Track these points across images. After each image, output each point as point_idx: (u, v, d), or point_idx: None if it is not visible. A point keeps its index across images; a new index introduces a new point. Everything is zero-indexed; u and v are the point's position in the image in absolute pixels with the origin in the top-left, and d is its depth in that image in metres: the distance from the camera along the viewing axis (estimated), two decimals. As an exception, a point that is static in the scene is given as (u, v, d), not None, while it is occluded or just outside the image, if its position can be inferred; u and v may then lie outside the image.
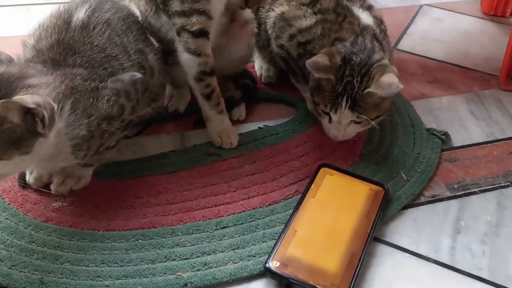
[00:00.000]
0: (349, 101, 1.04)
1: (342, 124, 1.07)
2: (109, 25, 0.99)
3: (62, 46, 0.92)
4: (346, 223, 0.97)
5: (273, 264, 0.89)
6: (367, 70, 1.04)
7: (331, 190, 1.03)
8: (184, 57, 1.08)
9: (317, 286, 0.86)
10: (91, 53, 0.94)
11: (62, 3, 1.01)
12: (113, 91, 0.93)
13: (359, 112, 1.04)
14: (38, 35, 0.95)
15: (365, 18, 1.16)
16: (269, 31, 1.25)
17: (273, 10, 1.22)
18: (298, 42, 1.17)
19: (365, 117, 1.05)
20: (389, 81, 1.02)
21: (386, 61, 1.08)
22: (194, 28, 1.04)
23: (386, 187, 1.05)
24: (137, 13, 1.13)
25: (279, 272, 0.88)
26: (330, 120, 1.08)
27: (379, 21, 1.19)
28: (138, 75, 0.99)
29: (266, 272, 0.89)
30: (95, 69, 0.93)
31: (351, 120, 1.07)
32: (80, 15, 0.96)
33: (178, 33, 1.06)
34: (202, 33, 1.06)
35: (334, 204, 1.01)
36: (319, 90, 1.07)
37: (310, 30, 1.16)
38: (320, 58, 1.04)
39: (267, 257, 0.90)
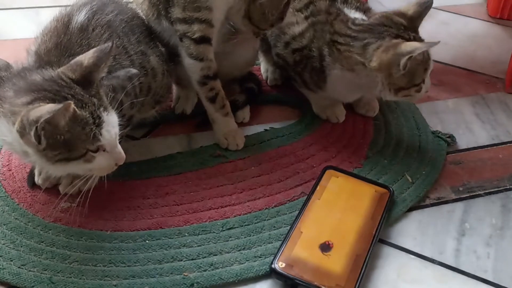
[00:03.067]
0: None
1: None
2: (110, 27, 1.00)
3: (59, 49, 0.93)
4: (351, 224, 0.98)
5: (279, 265, 0.90)
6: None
7: (337, 192, 1.04)
8: (187, 62, 1.09)
9: (322, 287, 0.87)
10: None
11: (69, 5, 1.02)
12: (109, 87, 0.94)
13: None
14: (40, 40, 0.96)
15: (353, 14, 1.16)
16: (269, 38, 1.26)
17: None
18: (292, 49, 1.18)
19: None
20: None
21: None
22: (196, 35, 1.06)
23: (391, 189, 1.05)
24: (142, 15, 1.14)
25: (285, 273, 0.89)
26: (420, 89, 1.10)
27: None
28: (134, 70, 1.00)
29: (272, 273, 0.90)
30: None
31: None
32: (79, 17, 0.98)
33: (180, 39, 1.08)
34: (204, 40, 1.07)
35: (340, 205, 1.01)
36: (412, 76, 1.07)
37: (303, 36, 1.16)
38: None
39: (272, 258, 0.91)
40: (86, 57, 0.87)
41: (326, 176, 1.07)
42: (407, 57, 1.03)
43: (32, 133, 0.79)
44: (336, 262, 0.91)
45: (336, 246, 0.94)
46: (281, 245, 0.93)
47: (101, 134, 0.85)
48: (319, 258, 0.92)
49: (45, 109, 0.78)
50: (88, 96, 0.85)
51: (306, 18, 1.17)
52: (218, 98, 1.13)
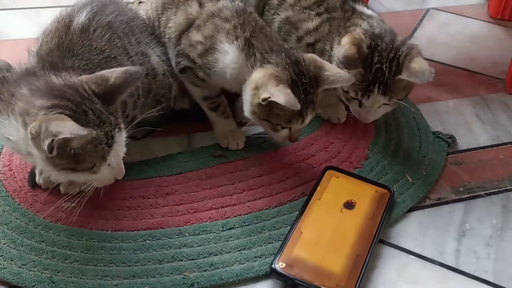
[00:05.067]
0: (381, 87, 1.05)
1: (373, 108, 1.09)
2: (110, 28, 1.01)
3: (61, 49, 0.93)
4: (351, 225, 0.98)
5: (279, 265, 0.90)
6: (394, 55, 1.05)
7: (337, 192, 1.04)
8: (188, 86, 1.13)
9: (323, 287, 0.87)
10: (90, 55, 0.95)
11: (69, 6, 1.02)
12: None
13: (390, 96, 1.06)
14: (41, 41, 0.96)
15: (367, 11, 1.18)
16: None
17: (278, 14, 1.23)
18: (307, 43, 1.19)
19: (395, 100, 1.07)
20: (421, 68, 1.03)
21: (409, 42, 1.09)
22: (200, 76, 1.09)
23: (391, 189, 1.05)
24: (144, 16, 1.15)
25: (285, 273, 0.89)
26: (360, 104, 1.09)
27: None
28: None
29: (272, 273, 0.90)
30: (93, 70, 0.94)
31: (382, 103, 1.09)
32: (80, 19, 0.98)
33: (182, 71, 1.12)
34: (205, 81, 1.10)
35: (340, 206, 1.01)
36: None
37: (317, 30, 1.17)
38: (350, 51, 1.04)
39: (273, 258, 0.91)
40: (113, 75, 0.87)
41: (326, 176, 1.07)
42: None
43: (47, 142, 0.79)
44: (336, 262, 0.91)
45: (337, 246, 0.94)
46: (281, 245, 0.94)
47: (110, 154, 0.86)
48: (319, 258, 0.92)
49: (68, 128, 0.78)
50: (107, 114, 0.85)
51: (319, 14, 1.18)
52: (220, 108, 1.14)
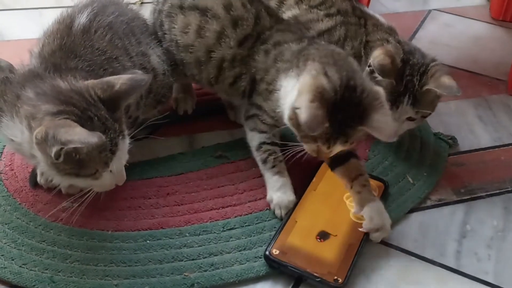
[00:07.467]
0: (411, 98, 1.07)
1: (400, 120, 1.09)
2: (111, 29, 1.01)
3: (63, 50, 0.94)
4: (345, 214, 0.99)
5: (273, 252, 0.91)
6: (425, 69, 1.08)
7: (332, 183, 1.04)
8: (248, 135, 1.11)
9: (315, 274, 0.89)
10: (92, 56, 0.95)
11: (70, 7, 1.02)
12: None
13: (418, 108, 1.08)
14: (43, 42, 0.96)
15: (381, 18, 1.19)
16: None
17: (283, 12, 1.23)
18: None
19: (420, 115, 1.09)
20: (450, 83, 1.06)
21: (439, 61, 1.11)
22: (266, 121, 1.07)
23: (386, 182, 1.06)
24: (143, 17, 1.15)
25: (278, 260, 0.90)
26: None
27: None
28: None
29: (266, 260, 0.91)
30: (96, 71, 0.94)
31: (408, 117, 1.10)
32: (81, 19, 0.98)
33: (248, 118, 1.10)
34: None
35: (335, 196, 1.02)
36: None
37: (331, 32, 1.17)
38: (384, 61, 1.06)
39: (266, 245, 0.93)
40: (119, 81, 0.87)
41: (322, 168, 1.08)
42: None
43: (54, 150, 0.79)
44: (329, 250, 0.92)
45: (332, 235, 0.95)
46: (275, 233, 0.95)
47: (112, 161, 0.86)
48: (312, 246, 0.93)
49: (77, 137, 0.78)
50: (111, 121, 0.86)
51: (329, 15, 1.18)
52: (269, 158, 1.05)
